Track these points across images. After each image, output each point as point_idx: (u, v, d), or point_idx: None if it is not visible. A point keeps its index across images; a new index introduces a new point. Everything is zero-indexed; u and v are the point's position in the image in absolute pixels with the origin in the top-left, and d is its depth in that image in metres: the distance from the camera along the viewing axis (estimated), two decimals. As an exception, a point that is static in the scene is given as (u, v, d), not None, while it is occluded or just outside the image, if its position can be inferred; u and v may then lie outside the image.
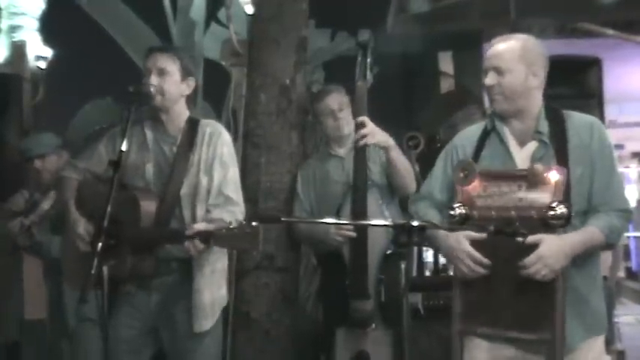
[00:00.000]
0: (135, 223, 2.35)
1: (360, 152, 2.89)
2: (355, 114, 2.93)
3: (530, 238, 2.02)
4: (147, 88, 2.45)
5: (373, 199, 2.92)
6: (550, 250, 2.01)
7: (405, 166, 3.02)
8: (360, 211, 2.83)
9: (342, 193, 3.02)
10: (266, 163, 3.46)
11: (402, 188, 3.03)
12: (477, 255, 2.09)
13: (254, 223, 2.11)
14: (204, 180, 2.48)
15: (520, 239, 1.97)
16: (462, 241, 2.11)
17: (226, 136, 2.59)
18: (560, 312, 2.03)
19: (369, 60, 2.84)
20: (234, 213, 2.45)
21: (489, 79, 2.21)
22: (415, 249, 4.18)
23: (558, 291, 2.04)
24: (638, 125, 8.72)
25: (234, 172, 2.56)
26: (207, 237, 2.19)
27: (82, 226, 2.43)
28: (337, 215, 2.91)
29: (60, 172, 2.76)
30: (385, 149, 2.93)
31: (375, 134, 2.83)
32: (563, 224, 2.04)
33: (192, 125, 2.56)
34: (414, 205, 2.43)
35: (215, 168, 2.50)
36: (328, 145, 3.25)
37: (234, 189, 2.52)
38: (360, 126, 2.82)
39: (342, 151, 3.16)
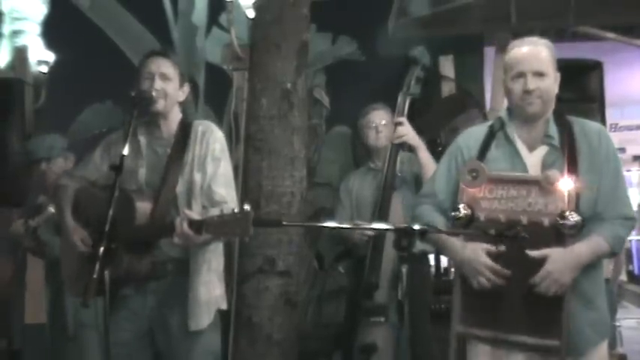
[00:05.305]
0: (130, 222, 2.34)
1: (394, 150, 3.14)
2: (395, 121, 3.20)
3: (536, 253, 2.02)
4: (149, 93, 2.46)
5: (399, 199, 3.12)
6: (556, 265, 2.01)
7: (433, 169, 3.09)
8: (384, 208, 3.06)
9: (375, 201, 3.20)
10: (267, 167, 3.46)
11: None
12: (497, 267, 2.08)
13: (246, 208, 2.09)
14: (197, 177, 2.48)
15: (528, 252, 1.98)
16: (479, 253, 2.10)
17: (219, 133, 2.60)
18: (566, 318, 2.03)
19: (415, 75, 3.13)
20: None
21: (532, 84, 2.15)
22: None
23: (566, 298, 2.04)
24: (639, 128, 8.72)
25: (225, 167, 2.55)
26: (199, 226, 2.18)
27: (77, 234, 2.46)
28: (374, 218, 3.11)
29: (57, 180, 2.77)
30: (415, 149, 3.16)
31: (409, 134, 3.13)
32: (575, 233, 2.03)
33: (185, 126, 2.57)
34: (417, 209, 2.39)
35: (207, 163, 2.50)
36: (369, 158, 3.48)
37: (223, 183, 2.50)
38: (398, 125, 3.11)
39: (379, 164, 3.34)
